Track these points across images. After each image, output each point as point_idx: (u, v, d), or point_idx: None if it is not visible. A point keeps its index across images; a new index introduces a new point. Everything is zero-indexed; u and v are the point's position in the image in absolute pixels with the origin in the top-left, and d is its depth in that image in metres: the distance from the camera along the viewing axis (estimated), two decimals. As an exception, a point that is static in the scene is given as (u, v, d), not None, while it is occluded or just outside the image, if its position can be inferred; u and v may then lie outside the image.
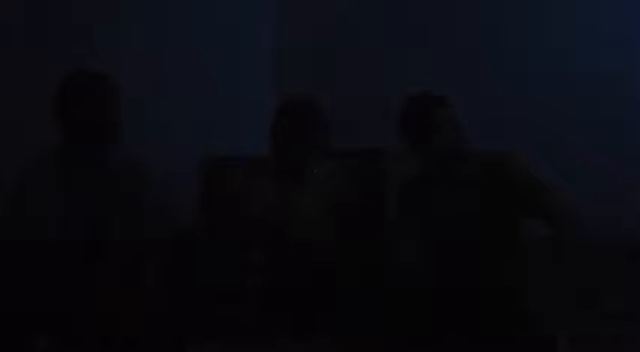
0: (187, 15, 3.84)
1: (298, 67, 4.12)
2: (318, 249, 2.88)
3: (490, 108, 3.87)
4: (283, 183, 2.96)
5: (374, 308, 2.76)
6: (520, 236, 2.78)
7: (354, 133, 3.60)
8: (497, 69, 3.97)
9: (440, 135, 2.73)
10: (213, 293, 2.89)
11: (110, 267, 2.68)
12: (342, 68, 4.09)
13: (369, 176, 3.26)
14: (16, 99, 3.27)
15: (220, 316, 2.82)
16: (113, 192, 2.71)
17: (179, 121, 3.71)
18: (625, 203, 3.78)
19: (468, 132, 2.76)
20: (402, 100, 2.81)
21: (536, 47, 3.95)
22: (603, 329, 3.07)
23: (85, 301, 2.63)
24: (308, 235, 2.89)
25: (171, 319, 2.71)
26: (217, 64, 3.90)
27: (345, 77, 4.07)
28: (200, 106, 3.81)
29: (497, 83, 3.95)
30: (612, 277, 3.40)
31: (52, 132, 2.70)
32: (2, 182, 2.87)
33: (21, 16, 3.38)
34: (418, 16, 4.05)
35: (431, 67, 3.95)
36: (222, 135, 3.77)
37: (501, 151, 2.80)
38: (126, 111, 2.72)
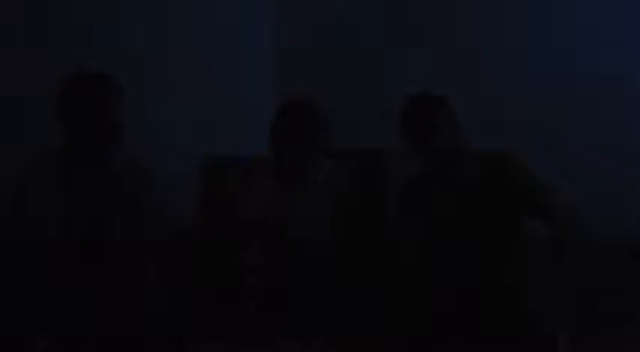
0: (187, 15, 3.84)
1: (298, 67, 4.11)
2: (318, 249, 2.88)
3: (490, 108, 3.87)
4: (283, 183, 2.96)
5: (374, 308, 2.76)
6: (520, 236, 2.78)
7: (354, 133, 3.59)
8: (497, 69, 3.96)
9: (440, 135, 2.73)
10: (213, 293, 2.89)
11: (110, 267, 2.68)
12: (342, 68, 4.09)
13: (369, 176, 3.25)
14: (17, 99, 3.27)
15: (220, 316, 2.82)
16: (114, 192, 2.71)
17: (179, 121, 3.71)
18: (625, 203, 3.77)
19: (468, 132, 2.76)
20: (402, 100, 2.81)
21: (536, 47, 3.94)
22: (603, 329, 3.07)
23: (85, 301, 2.63)
24: (308, 235, 2.89)
25: (171, 319, 2.71)
26: (218, 64, 3.90)
27: (345, 77, 4.06)
28: (200, 106, 3.81)
29: (497, 83, 3.95)
30: (612, 277, 3.40)
31: (53, 132, 2.69)
32: (2, 182, 2.87)
33: (21, 16, 3.39)
34: (418, 16, 4.05)
35: (431, 67, 3.94)
36: (222, 135, 3.77)
37: (501, 151, 2.80)
38: (126, 111, 2.72)
